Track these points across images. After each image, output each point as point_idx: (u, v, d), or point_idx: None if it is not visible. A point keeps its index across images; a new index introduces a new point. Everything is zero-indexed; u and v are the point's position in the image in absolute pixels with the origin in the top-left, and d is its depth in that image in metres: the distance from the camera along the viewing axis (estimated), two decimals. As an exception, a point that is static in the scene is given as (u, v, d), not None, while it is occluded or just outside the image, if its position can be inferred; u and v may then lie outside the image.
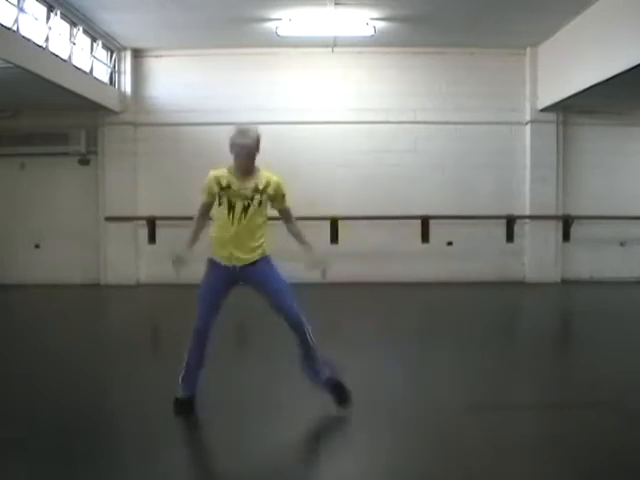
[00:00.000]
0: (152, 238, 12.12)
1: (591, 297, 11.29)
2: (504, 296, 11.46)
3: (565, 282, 12.32)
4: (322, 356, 4.81)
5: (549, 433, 4.50)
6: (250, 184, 4.70)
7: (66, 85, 9.98)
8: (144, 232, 12.18)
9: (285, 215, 4.90)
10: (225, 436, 4.52)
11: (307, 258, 4.87)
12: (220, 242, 4.75)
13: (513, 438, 4.39)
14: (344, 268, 11.92)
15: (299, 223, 4.93)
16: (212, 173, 4.83)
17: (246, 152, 4.66)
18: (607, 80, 9.32)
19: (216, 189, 4.73)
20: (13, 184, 12.34)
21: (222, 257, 4.74)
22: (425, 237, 12.09)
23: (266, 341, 7.31)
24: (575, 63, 10.40)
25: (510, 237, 12.25)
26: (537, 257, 12.37)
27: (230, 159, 4.82)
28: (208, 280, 4.82)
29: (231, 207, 4.67)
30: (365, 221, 12.10)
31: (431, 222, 12.08)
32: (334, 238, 11.83)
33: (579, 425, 4.61)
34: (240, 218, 4.67)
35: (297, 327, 4.74)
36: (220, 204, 4.72)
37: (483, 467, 3.92)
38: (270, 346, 7.02)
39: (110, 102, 11.90)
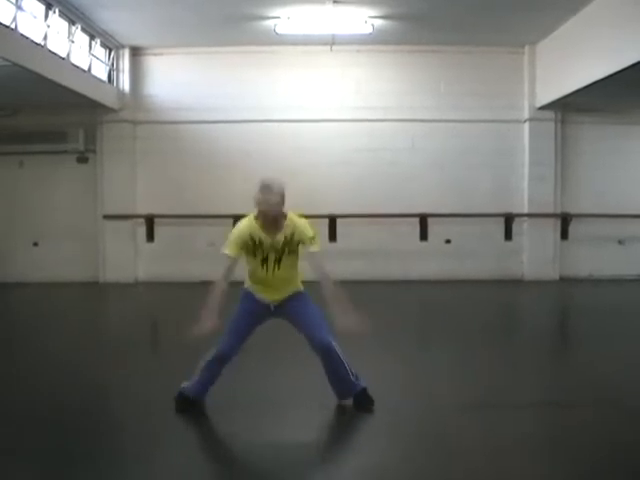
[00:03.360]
0: (150, 236, 12.13)
1: (590, 295, 11.31)
2: (503, 294, 11.47)
3: (563, 280, 12.33)
4: (352, 369, 4.84)
5: (549, 432, 4.53)
6: (280, 237, 4.62)
7: (65, 83, 9.96)
8: (143, 230, 12.20)
9: (310, 261, 4.69)
10: (225, 436, 4.53)
11: (339, 315, 4.58)
12: (255, 283, 4.76)
13: (513, 437, 4.39)
14: (342, 266, 11.94)
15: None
16: (244, 228, 4.62)
17: (273, 214, 4.53)
18: (605, 78, 9.32)
19: (250, 244, 4.61)
20: (12, 182, 12.33)
21: (257, 292, 4.77)
22: (423, 235, 12.10)
23: (267, 342, 7.31)
24: (573, 61, 10.40)
25: (508, 235, 12.26)
26: (535, 255, 12.38)
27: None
28: (242, 311, 4.80)
29: (264, 259, 4.64)
30: (363, 219, 12.10)
31: (429, 220, 12.08)
32: (332, 236, 11.84)
33: (579, 424, 4.62)
34: (274, 268, 4.66)
35: (326, 354, 4.74)
36: (255, 256, 4.65)
37: (483, 466, 3.93)
38: (271, 347, 7.03)
39: (109, 100, 11.89)
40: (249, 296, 4.79)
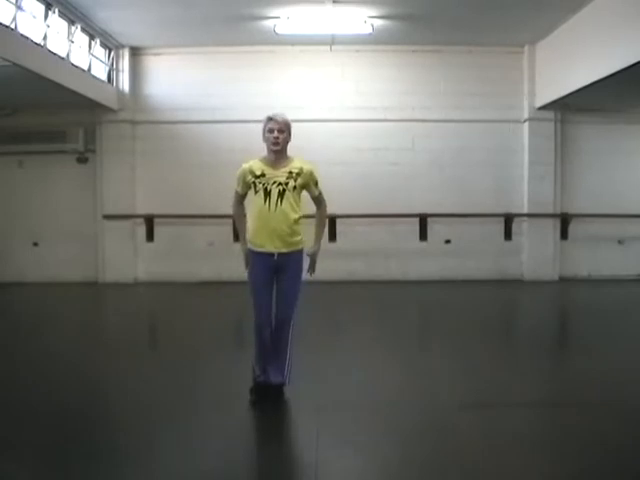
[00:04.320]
0: (150, 236, 12.14)
1: (589, 295, 11.31)
2: (502, 294, 11.47)
3: (563, 280, 12.33)
4: (290, 360, 5.04)
5: (548, 432, 4.53)
6: (284, 170, 4.92)
7: (64, 83, 9.95)
8: (142, 230, 12.20)
9: (316, 202, 5.17)
10: (223, 435, 4.53)
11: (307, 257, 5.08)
12: (259, 231, 4.92)
13: (513, 436, 4.40)
14: (342, 266, 11.98)
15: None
16: (244, 165, 5.00)
17: (278, 129, 4.87)
18: (605, 78, 9.30)
19: (250, 178, 4.91)
20: (11, 182, 12.31)
21: (261, 245, 4.93)
22: (423, 235, 12.11)
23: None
24: (573, 61, 10.40)
25: (508, 235, 12.27)
26: (535, 255, 12.38)
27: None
28: (254, 275, 4.99)
29: (267, 194, 4.86)
30: (363, 219, 12.11)
31: (429, 220, 12.09)
32: (332, 236, 11.83)
33: (578, 424, 4.63)
34: (277, 203, 4.85)
35: (280, 326, 4.98)
36: (256, 192, 4.90)
37: (482, 465, 3.94)
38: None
39: (108, 100, 11.87)
40: (254, 257, 4.97)
